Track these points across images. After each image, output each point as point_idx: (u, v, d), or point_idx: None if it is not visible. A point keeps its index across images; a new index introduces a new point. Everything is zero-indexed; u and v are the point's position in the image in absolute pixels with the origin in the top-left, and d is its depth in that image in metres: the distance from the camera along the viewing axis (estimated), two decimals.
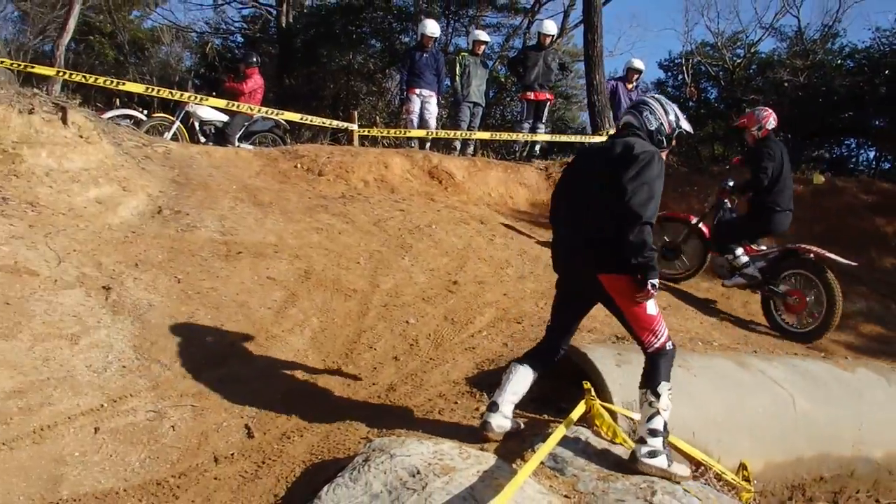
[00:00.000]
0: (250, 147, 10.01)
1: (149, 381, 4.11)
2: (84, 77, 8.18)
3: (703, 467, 3.90)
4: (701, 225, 7.41)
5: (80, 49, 17.96)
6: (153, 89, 8.90)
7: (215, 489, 3.40)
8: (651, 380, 3.56)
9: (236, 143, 10.11)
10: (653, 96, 3.95)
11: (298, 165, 8.22)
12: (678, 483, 3.44)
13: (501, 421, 3.70)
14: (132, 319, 4.62)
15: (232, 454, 3.69)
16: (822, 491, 4.56)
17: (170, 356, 4.36)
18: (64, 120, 7.00)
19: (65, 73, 8.34)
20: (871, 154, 16.64)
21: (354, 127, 10.00)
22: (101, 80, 8.38)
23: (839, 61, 16.07)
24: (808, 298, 6.85)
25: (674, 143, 3.90)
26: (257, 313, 5.04)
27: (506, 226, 8.02)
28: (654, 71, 17.90)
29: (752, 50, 17.28)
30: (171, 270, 5.34)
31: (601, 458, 3.61)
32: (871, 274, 8.73)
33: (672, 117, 3.81)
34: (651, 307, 3.55)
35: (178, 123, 9.62)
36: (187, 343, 4.52)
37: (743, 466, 4.09)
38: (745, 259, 6.99)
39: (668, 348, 3.58)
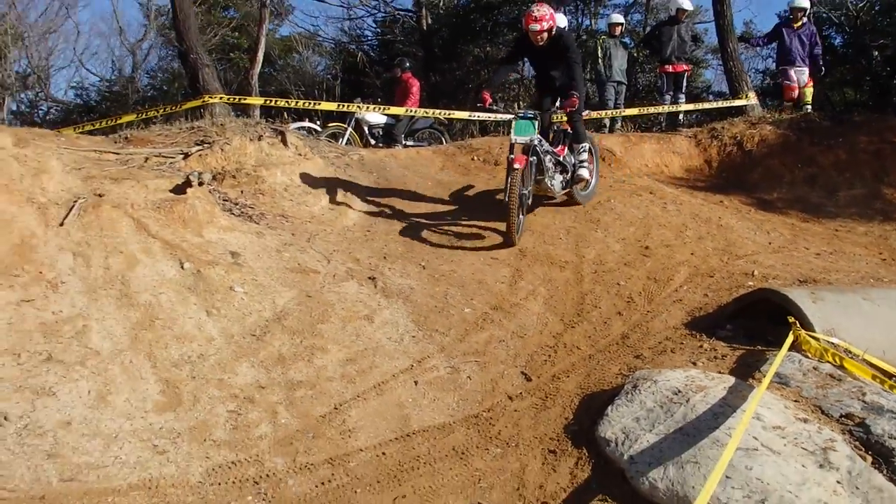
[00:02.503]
0: (413, 144, 11.19)
1: (436, 346, 5.25)
2: (287, 102, 9.51)
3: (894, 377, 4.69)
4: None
5: (226, 66, 19.72)
6: (343, 105, 10.16)
7: (519, 418, 4.50)
8: None
9: (403, 142, 11.32)
10: None
11: (475, 158, 9.26)
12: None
13: None
14: (402, 301, 5.78)
15: (520, 393, 4.78)
16: None
17: (443, 326, 5.49)
18: (284, 142, 8.31)
19: (270, 100, 9.71)
20: None
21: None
22: (300, 104, 9.71)
23: None
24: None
25: None
26: (495, 287, 6.12)
27: (671, 192, 8.79)
28: (775, 23, 17.89)
29: None
30: (413, 259, 6.50)
31: (815, 373, 4.44)
32: None
33: None
34: None
35: (350, 130, 10.88)
36: (452, 315, 5.64)
37: None
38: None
39: None
